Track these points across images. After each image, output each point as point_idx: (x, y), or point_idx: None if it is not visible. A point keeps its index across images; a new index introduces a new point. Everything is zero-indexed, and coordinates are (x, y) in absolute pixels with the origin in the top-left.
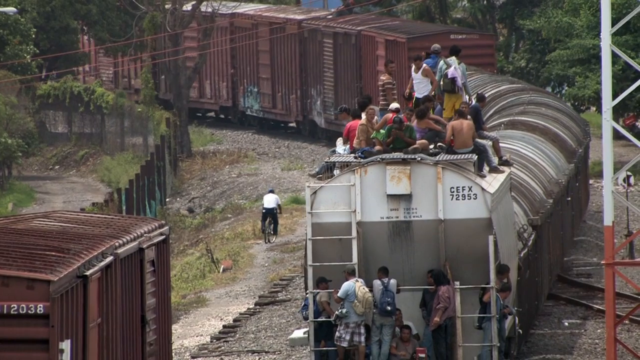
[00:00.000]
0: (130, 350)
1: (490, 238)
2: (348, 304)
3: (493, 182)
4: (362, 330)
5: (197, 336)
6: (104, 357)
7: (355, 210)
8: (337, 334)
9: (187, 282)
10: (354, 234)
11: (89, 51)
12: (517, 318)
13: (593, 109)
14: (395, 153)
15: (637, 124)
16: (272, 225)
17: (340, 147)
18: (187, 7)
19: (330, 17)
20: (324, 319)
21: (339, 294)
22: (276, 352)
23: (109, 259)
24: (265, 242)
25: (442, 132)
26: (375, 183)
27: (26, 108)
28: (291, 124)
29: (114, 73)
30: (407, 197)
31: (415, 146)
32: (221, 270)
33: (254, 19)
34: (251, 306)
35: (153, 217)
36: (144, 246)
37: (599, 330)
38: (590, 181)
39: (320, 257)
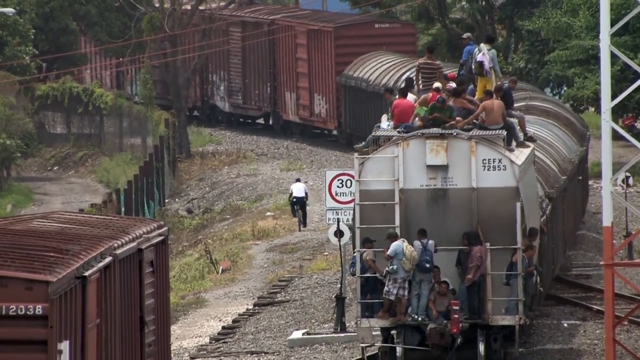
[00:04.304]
0: (129, 351)
1: (518, 205)
2: (397, 262)
3: (520, 155)
4: (407, 285)
5: (196, 337)
6: (103, 358)
7: (398, 179)
8: (385, 288)
9: (186, 283)
10: (397, 199)
11: (88, 52)
12: (539, 277)
13: (592, 109)
14: (434, 128)
15: (636, 124)
16: (301, 214)
17: (385, 122)
18: (187, 6)
19: (232, 6)
20: (369, 275)
21: (388, 253)
22: (275, 353)
23: (108, 259)
24: (300, 230)
25: (475, 111)
26: (416, 155)
27: (25, 109)
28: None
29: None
30: (444, 168)
31: (452, 122)
32: (220, 271)
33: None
34: (250, 307)
35: (152, 218)
36: (143, 247)
37: (598, 331)
38: (590, 182)
39: (367, 220)
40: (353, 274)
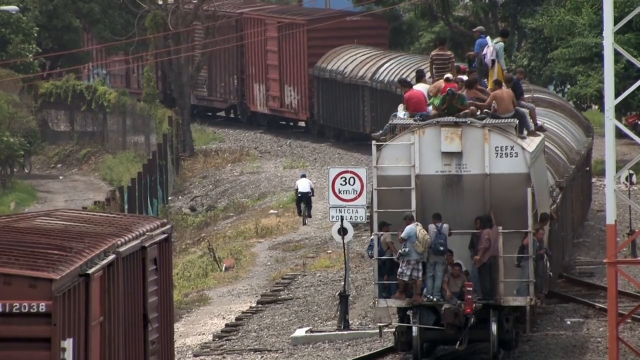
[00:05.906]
0: (132, 349)
1: (529, 190)
2: (410, 244)
3: (531, 143)
4: (420, 267)
5: (199, 335)
6: (106, 355)
7: (414, 165)
8: (399, 269)
9: (190, 280)
10: (413, 185)
11: (92, 50)
12: (549, 262)
13: (595, 107)
14: (449, 117)
15: (639, 122)
16: (307, 208)
17: (401, 112)
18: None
19: (195, 1)
20: (386, 257)
21: (402, 235)
22: (278, 351)
23: (111, 257)
24: (304, 224)
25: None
26: (431, 142)
27: (28, 107)
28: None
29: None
30: (458, 155)
31: (466, 111)
32: (223, 269)
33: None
34: (253, 305)
35: (155, 216)
36: (146, 245)
37: (601, 329)
38: (593, 180)
39: (384, 204)
40: (371, 257)
